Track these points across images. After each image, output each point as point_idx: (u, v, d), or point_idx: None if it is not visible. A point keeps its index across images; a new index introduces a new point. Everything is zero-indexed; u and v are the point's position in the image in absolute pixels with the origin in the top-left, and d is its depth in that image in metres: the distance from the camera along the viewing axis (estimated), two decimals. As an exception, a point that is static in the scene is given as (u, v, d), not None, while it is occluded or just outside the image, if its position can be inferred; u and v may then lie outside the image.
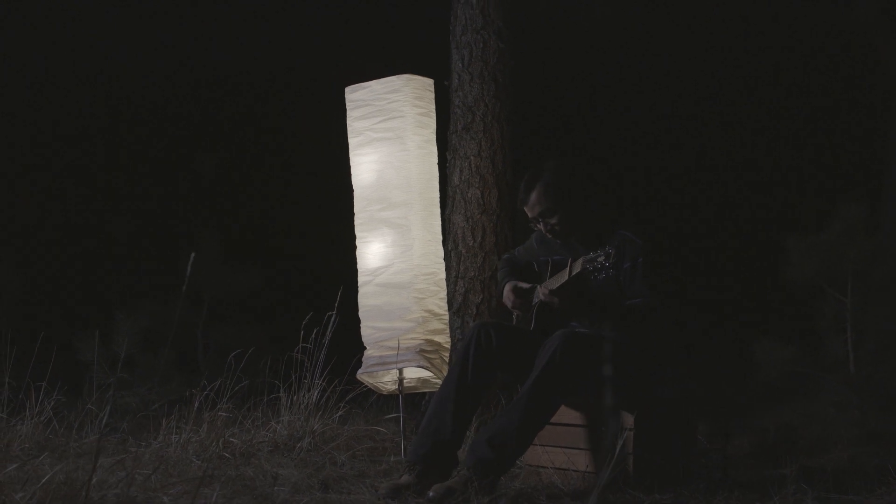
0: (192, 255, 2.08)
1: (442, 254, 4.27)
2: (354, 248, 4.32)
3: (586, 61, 6.85)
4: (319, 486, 3.30)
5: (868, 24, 5.85)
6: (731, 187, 6.68)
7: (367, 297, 4.16)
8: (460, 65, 4.56)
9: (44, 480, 2.45)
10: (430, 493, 3.07)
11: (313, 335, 4.21)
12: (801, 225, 4.72)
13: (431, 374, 4.05)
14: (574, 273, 3.24)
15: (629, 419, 3.33)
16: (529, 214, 3.46)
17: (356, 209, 4.26)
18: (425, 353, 3.96)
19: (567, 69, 6.71)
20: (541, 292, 3.36)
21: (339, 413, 4.16)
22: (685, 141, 6.78)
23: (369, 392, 4.35)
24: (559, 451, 3.48)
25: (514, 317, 3.65)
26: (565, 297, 3.28)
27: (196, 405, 3.97)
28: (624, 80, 6.94)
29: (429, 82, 4.27)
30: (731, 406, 4.23)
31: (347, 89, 4.29)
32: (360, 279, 4.21)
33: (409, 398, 4.20)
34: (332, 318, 4.22)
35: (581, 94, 6.91)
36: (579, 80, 6.85)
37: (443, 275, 4.23)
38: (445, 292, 4.23)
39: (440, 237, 4.28)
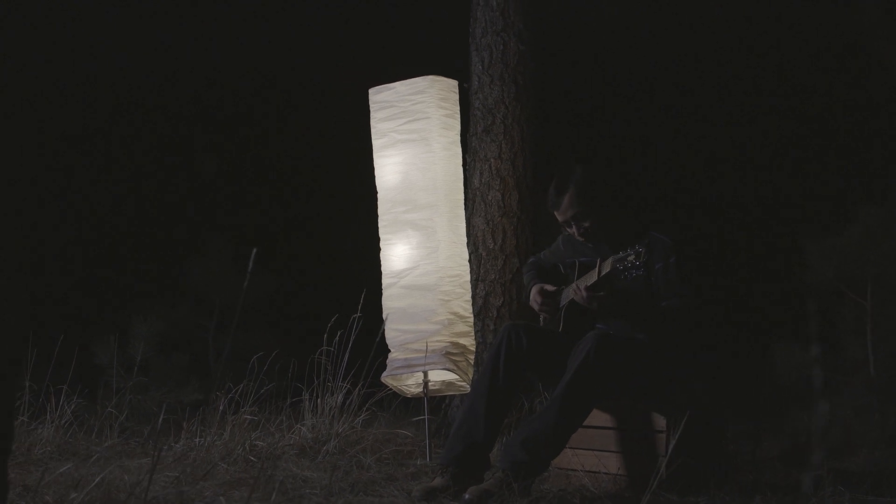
0: (254, 250, 2.02)
1: (467, 256, 4.25)
2: (368, 250, 4.30)
3: (599, 63, 6.84)
4: (351, 489, 3.28)
5: (872, 26, 5.87)
6: (748, 189, 6.67)
7: (392, 300, 4.13)
8: (480, 67, 4.55)
9: (96, 481, 2.41)
10: (467, 496, 3.05)
11: (336, 338, 4.18)
12: (810, 225, 4.71)
13: (457, 377, 4.03)
14: (604, 273, 3.23)
15: (661, 421, 3.31)
16: (561, 218, 3.43)
17: (380, 211, 4.23)
18: (451, 356, 3.94)
19: (580, 71, 6.70)
20: (572, 291, 3.34)
21: (363, 416, 4.12)
22: (699, 143, 6.78)
23: (391, 395, 4.33)
24: (590, 454, 3.46)
25: (542, 319, 3.64)
26: (596, 296, 3.27)
27: (221, 408, 3.93)
28: (635, 82, 6.94)
29: (453, 84, 4.25)
30: (756, 409, 4.23)
31: (371, 90, 4.27)
32: (385, 281, 4.19)
33: (432, 401, 4.18)
34: (356, 321, 4.18)
35: (595, 96, 6.91)
36: (592, 82, 6.84)
37: (468, 277, 4.21)
38: (470, 295, 4.21)
39: (465, 239, 4.27)
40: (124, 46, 7.53)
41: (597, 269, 3.26)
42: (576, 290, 3.30)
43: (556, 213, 3.44)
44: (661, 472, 2.94)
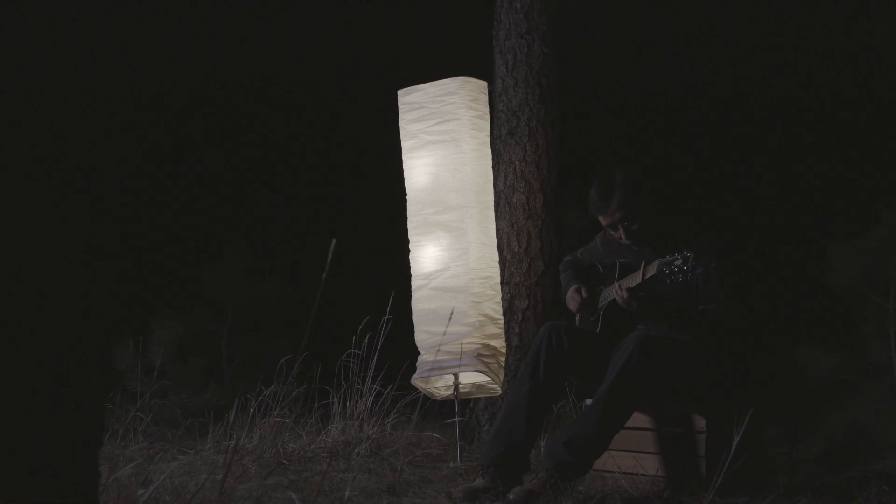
0: (333, 241, 1.99)
1: (497, 257, 4.22)
2: (397, 252, 4.27)
3: (612, 67, 6.86)
4: (389, 490, 3.25)
5: (883, 33, 5.90)
6: (771, 190, 6.69)
7: (422, 302, 4.09)
8: (504, 69, 4.54)
9: (161, 478, 2.37)
10: (511, 497, 3.03)
11: (365, 340, 4.15)
12: (833, 227, 4.71)
13: (487, 380, 4.00)
14: (648, 275, 3.22)
15: (700, 422, 3.30)
16: (607, 221, 3.41)
17: (410, 212, 4.20)
18: (482, 358, 3.91)
19: (593, 75, 6.72)
20: (614, 291, 3.33)
21: (392, 419, 4.09)
22: (722, 145, 6.79)
23: (419, 398, 4.29)
24: (627, 455, 3.44)
25: (578, 319, 3.62)
26: (637, 297, 3.26)
27: (251, 411, 3.89)
28: (650, 83, 6.95)
29: (483, 85, 4.22)
30: (790, 411, 4.22)
31: (400, 92, 4.23)
32: (414, 283, 4.15)
33: (459, 404, 4.15)
34: (386, 323, 4.15)
35: (611, 102, 6.92)
36: (606, 86, 6.85)
37: (498, 279, 4.17)
38: (500, 296, 4.18)
39: (495, 240, 4.24)
40: (124, 46, 7.47)
41: (641, 270, 3.24)
42: (617, 291, 3.29)
43: (600, 216, 3.41)
44: (723, 472, 2.93)
